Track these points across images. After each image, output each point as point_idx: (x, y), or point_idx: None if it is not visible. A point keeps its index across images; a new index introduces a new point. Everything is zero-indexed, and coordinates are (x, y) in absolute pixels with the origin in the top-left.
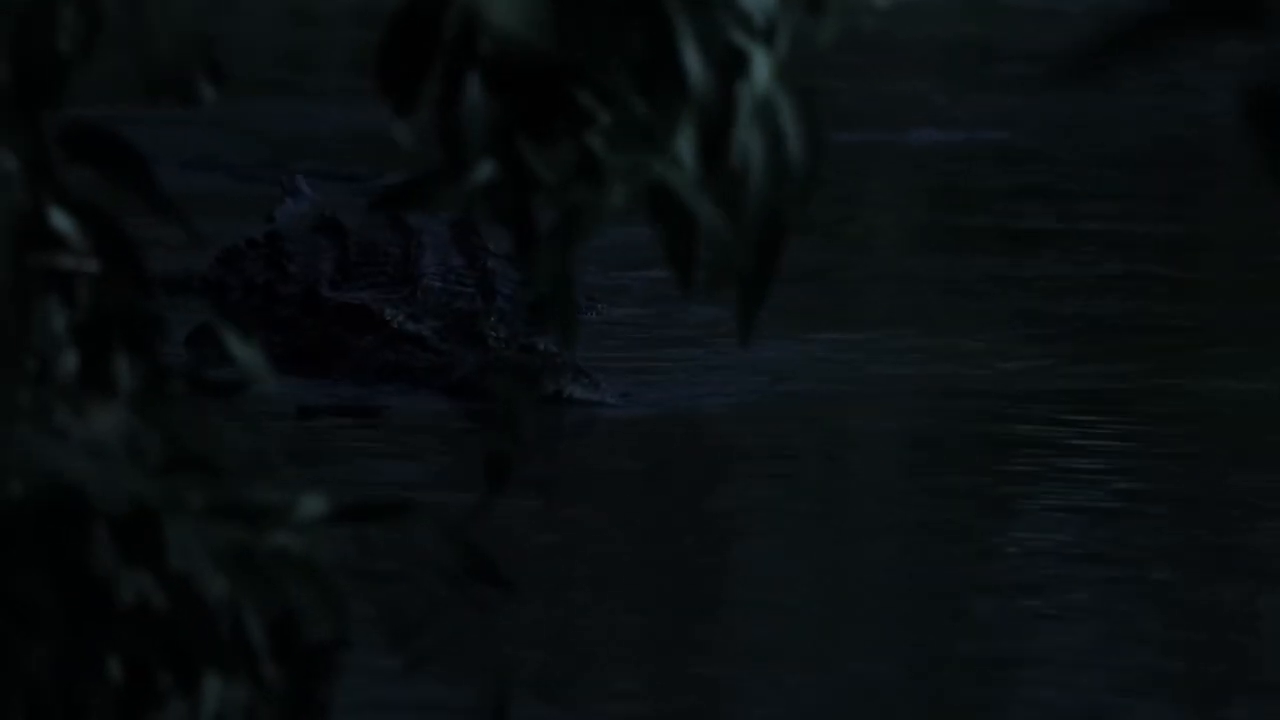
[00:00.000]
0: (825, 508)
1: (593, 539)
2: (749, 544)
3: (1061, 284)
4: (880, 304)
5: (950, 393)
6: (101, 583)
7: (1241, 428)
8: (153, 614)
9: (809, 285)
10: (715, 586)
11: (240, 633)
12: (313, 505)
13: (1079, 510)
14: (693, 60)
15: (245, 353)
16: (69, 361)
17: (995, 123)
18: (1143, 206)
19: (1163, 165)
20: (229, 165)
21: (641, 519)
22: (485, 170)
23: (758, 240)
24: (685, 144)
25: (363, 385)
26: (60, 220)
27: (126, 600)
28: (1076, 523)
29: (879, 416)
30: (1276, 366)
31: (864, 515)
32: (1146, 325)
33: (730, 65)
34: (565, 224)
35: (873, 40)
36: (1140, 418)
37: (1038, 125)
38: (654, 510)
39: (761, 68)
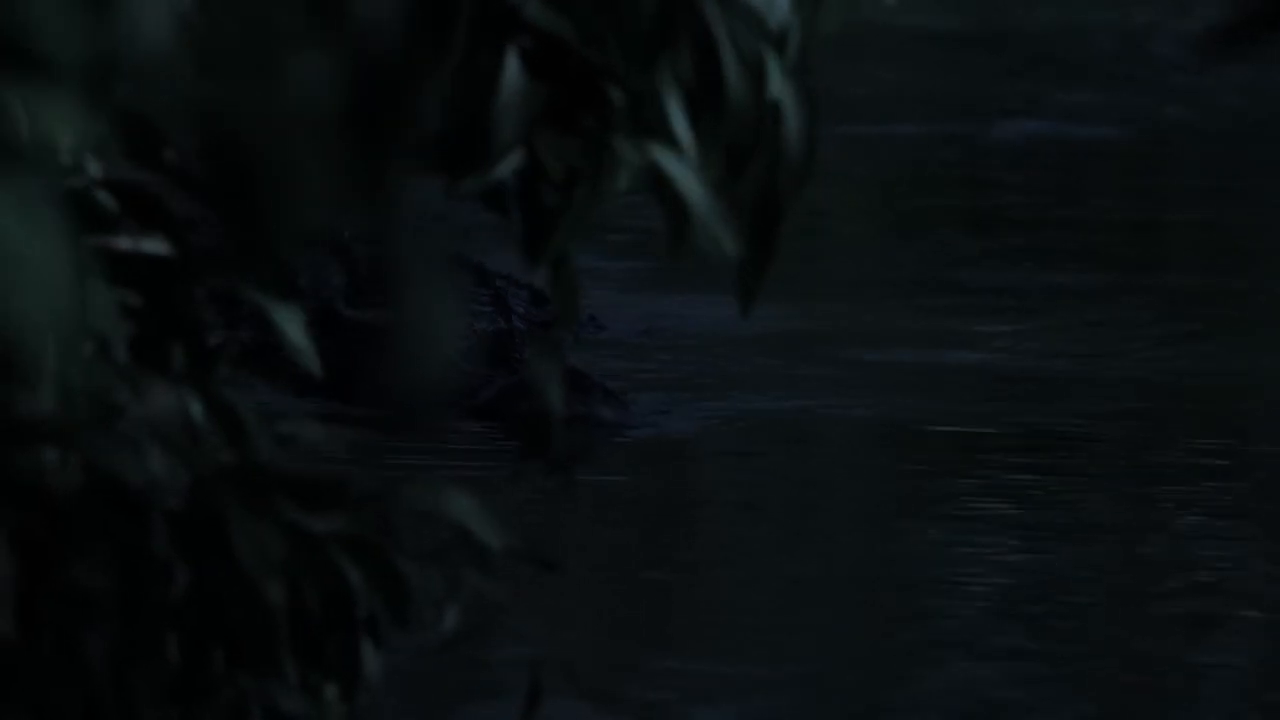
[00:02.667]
0: (828, 546)
1: (573, 555)
2: (737, 570)
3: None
4: (898, 311)
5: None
6: (159, 572)
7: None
8: (209, 602)
9: (830, 294)
10: (692, 609)
11: (300, 612)
12: (366, 485)
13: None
14: (733, 70)
15: (295, 332)
16: (123, 344)
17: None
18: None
19: None
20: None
21: (621, 544)
22: (513, 162)
23: (755, 224)
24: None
25: (384, 406)
26: (110, 202)
27: (181, 590)
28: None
29: (903, 436)
30: None
31: (869, 537)
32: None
33: (756, 72)
34: (570, 209)
35: (870, 33)
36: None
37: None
38: (641, 533)
39: (776, 74)
